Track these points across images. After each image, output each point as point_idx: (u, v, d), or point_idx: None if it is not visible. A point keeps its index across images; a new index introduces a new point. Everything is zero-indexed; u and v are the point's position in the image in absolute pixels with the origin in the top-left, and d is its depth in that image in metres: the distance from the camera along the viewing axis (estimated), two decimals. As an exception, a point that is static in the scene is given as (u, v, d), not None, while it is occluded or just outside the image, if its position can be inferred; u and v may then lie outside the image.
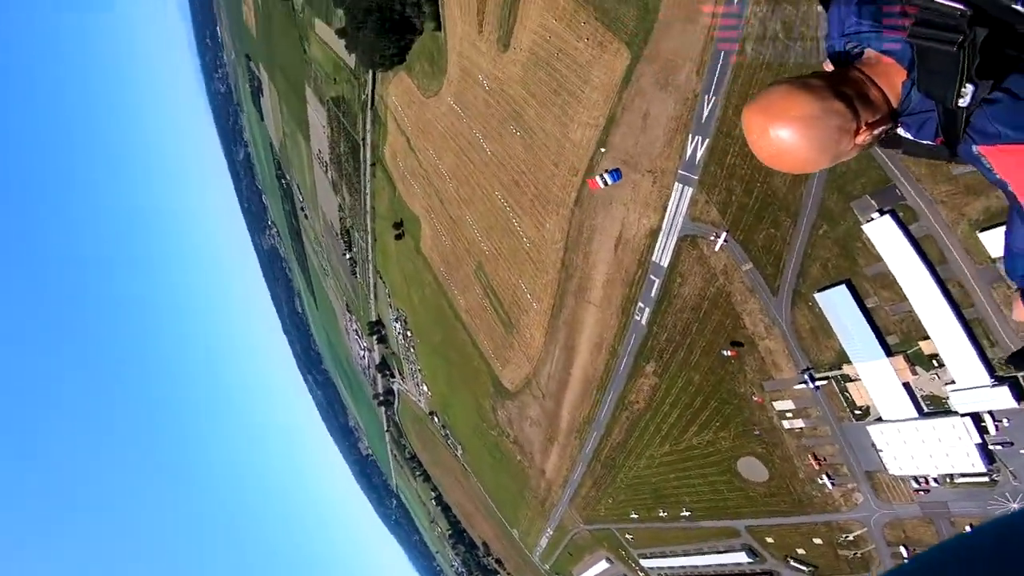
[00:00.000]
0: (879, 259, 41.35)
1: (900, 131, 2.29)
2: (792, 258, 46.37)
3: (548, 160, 64.74)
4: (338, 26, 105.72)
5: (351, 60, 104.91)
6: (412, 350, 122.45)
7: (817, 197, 43.30)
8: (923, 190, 38.33)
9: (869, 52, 2.25)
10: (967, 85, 1.81)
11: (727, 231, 48.88)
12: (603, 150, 57.72)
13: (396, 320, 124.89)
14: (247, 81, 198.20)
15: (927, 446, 43.73)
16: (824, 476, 51.44)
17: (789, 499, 55.50)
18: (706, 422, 58.32)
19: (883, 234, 40.21)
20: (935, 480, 45.30)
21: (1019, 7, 1.67)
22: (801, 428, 51.49)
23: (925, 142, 2.21)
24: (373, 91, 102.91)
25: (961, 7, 1.69)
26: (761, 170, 47.00)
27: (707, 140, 48.68)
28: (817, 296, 45.81)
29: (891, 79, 2.16)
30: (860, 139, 2.08)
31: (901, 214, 39.19)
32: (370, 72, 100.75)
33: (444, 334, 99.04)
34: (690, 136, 49.79)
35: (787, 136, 1.94)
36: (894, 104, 2.16)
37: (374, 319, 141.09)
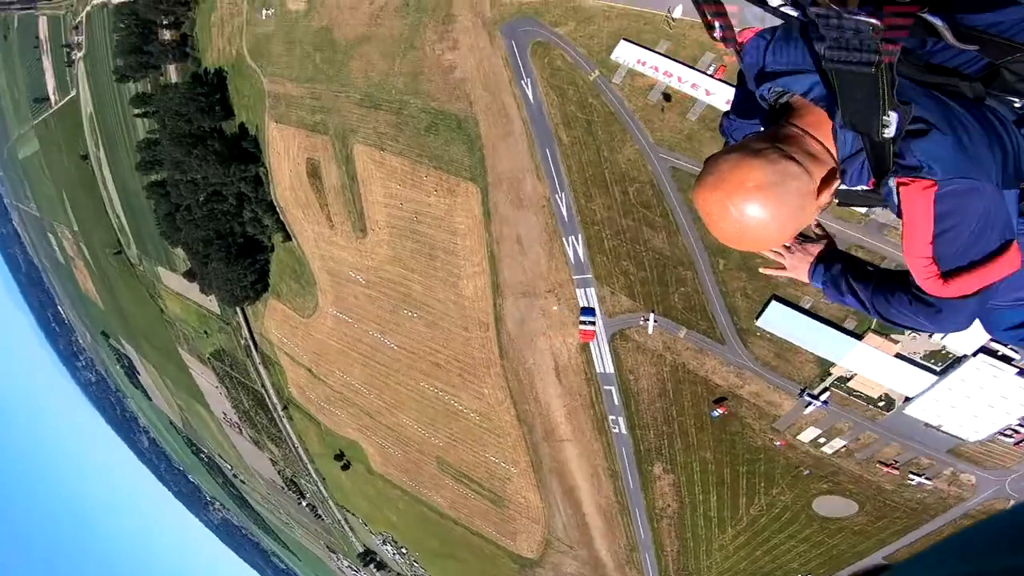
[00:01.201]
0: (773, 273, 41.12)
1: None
2: (715, 303, 46.26)
3: (455, 328, 62.35)
4: (183, 269, 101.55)
5: (213, 304, 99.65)
6: (416, 564, 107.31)
7: (697, 240, 44.51)
8: None
9: (796, 99, 2.13)
10: (890, 112, 1.69)
11: (652, 311, 47.31)
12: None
13: (384, 543, 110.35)
14: (115, 362, 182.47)
15: (976, 399, 40.91)
16: (912, 476, 46.72)
17: (901, 512, 49.80)
18: (750, 489, 53.08)
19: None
20: (1020, 423, 41.66)
21: (933, 20, 1.54)
22: (845, 446, 47.89)
23: (859, 188, 2.05)
24: (250, 331, 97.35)
25: (874, 21, 1.50)
26: (639, 240, 47.54)
27: (580, 236, 50.51)
28: (759, 324, 45.40)
29: (825, 127, 2.03)
30: (821, 200, 1.93)
31: None
32: (238, 310, 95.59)
33: (440, 537, 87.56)
34: (564, 240, 51.37)
35: (750, 211, 1.77)
36: (834, 154, 2.02)
37: (362, 550, 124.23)
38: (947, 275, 1.91)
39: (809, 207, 1.92)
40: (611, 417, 55.06)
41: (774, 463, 50.79)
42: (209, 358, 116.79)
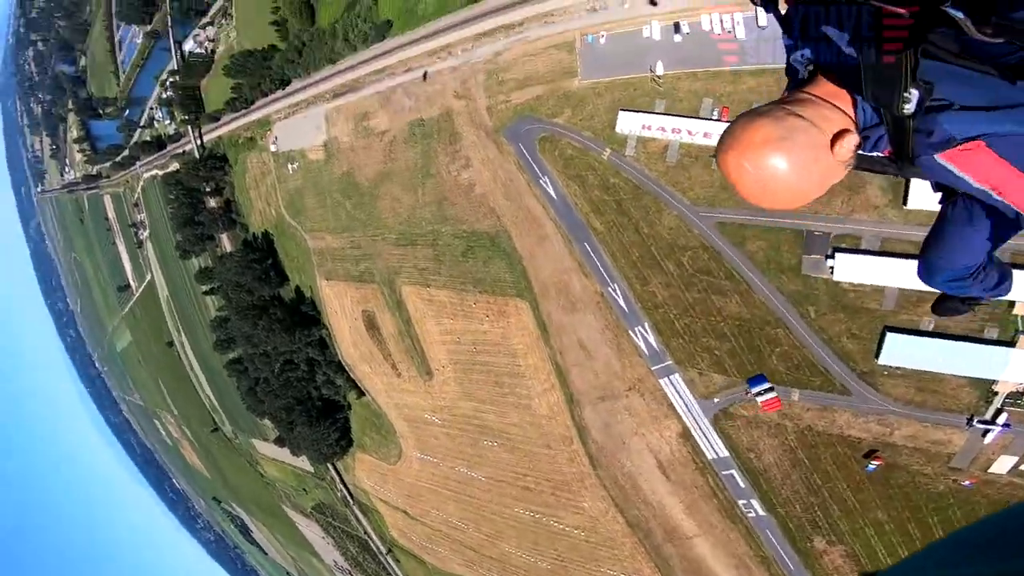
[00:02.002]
0: (879, 290, 38.52)
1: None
2: (821, 353, 41.16)
3: (537, 447, 59.50)
4: (273, 436, 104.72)
5: (305, 463, 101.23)
6: None
7: (774, 292, 41.45)
8: (831, 217, 38.48)
9: (821, 70, 2.20)
10: (911, 90, 1.80)
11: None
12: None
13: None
14: (229, 522, 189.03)
15: None
16: None
17: None
18: (944, 544, 44.04)
19: (854, 270, 38.78)
20: None
21: (954, 13, 1.64)
22: (1056, 463, 39.49)
23: (875, 154, 2.16)
24: (344, 483, 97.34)
25: (903, 11, 1.73)
26: (712, 311, 43.94)
27: (646, 323, 47.70)
28: (881, 361, 39.90)
29: (844, 97, 2.11)
30: (838, 152, 1.96)
31: (844, 244, 38.77)
32: (329, 467, 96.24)
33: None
34: (631, 332, 48.71)
35: (763, 164, 1.87)
36: (851, 115, 2.10)
37: None
38: None
39: (824, 158, 1.92)
40: (741, 502, 48.53)
41: (972, 504, 42.62)
42: (311, 511, 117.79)
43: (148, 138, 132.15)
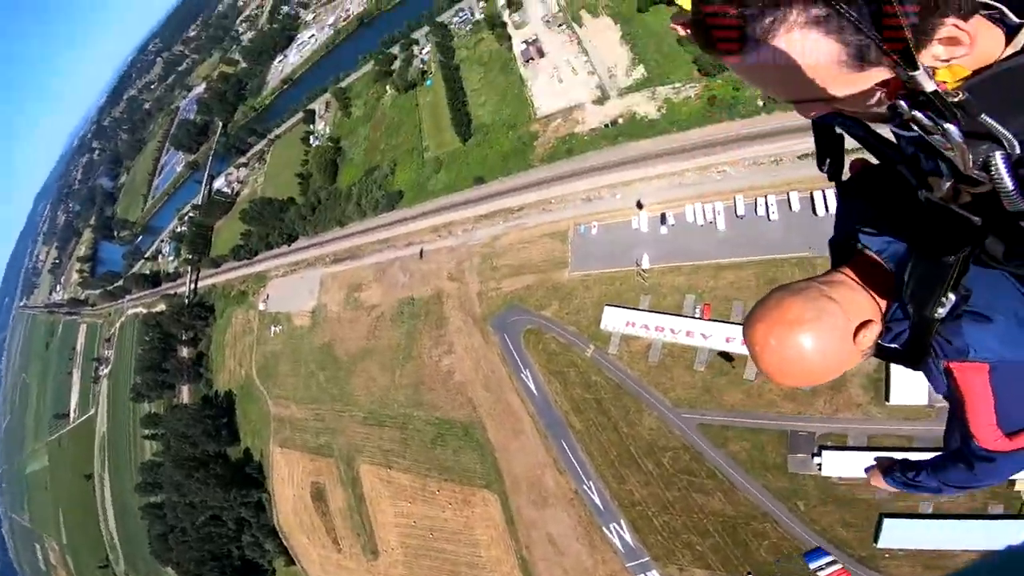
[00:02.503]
0: (872, 486, 33.97)
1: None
2: (814, 542, 38.95)
3: None
4: None
5: None
6: None
7: (760, 490, 40.25)
8: (815, 416, 39.10)
9: (863, 251, 2.20)
10: (949, 295, 1.72)
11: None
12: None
13: None
14: None
15: None
16: None
17: None
18: None
19: (843, 465, 37.82)
20: None
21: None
22: None
23: (892, 345, 2.13)
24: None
25: (974, 217, 1.52)
26: (693, 509, 41.97)
27: (622, 521, 44.48)
28: (880, 545, 37.53)
29: (878, 283, 2.11)
30: (860, 342, 1.96)
31: (830, 442, 38.86)
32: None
33: None
34: (605, 529, 45.29)
35: (789, 342, 1.88)
36: (881, 306, 2.11)
37: None
38: (1011, 434, 2.02)
39: (846, 346, 1.94)
40: None
41: None
42: None
43: (147, 271, 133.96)
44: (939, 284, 1.67)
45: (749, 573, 40.30)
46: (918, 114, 1.21)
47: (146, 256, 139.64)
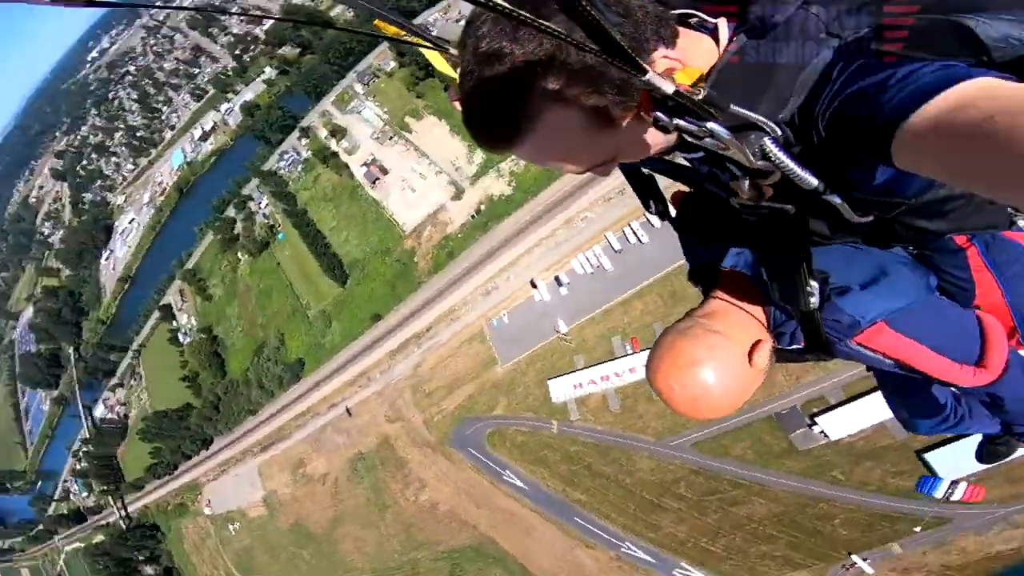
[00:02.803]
0: (880, 426, 36.67)
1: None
2: (881, 502, 37.84)
3: None
4: None
5: None
6: None
7: (789, 478, 40.36)
8: (784, 393, 39.64)
9: (723, 271, 2.20)
10: (811, 283, 1.72)
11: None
12: None
13: None
14: None
15: None
16: None
17: None
18: None
19: (843, 423, 38.08)
20: None
21: (831, 199, 1.51)
22: None
23: (793, 347, 2.15)
24: None
25: (786, 206, 1.49)
26: (739, 521, 41.49)
27: (683, 563, 43.37)
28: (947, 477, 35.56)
29: (753, 294, 2.09)
30: (756, 362, 1.98)
31: (815, 408, 39.24)
32: None
33: None
34: None
35: (689, 384, 1.91)
36: (762, 321, 2.10)
37: None
38: (978, 363, 2.02)
39: (743, 369, 1.97)
40: None
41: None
42: None
43: (65, 511, 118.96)
44: (795, 278, 1.74)
45: (850, 554, 38.62)
46: (680, 122, 1.24)
47: (56, 498, 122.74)
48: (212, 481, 77.22)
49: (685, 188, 2.27)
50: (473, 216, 56.81)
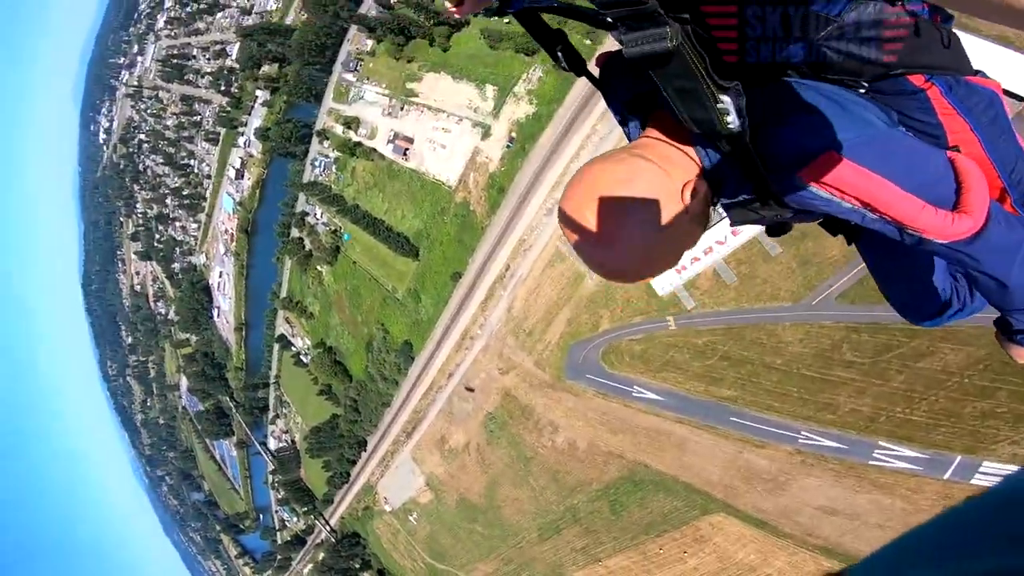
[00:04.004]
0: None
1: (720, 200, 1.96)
2: None
3: None
4: None
5: None
6: None
7: None
8: None
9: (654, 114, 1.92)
10: (721, 97, 1.44)
11: None
12: None
13: None
14: None
15: None
16: None
17: None
18: None
19: None
20: None
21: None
22: None
23: (741, 197, 1.79)
24: None
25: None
26: (934, 374, 34.24)
27: (881, 442, 36.86)
28: None
29: (683, 136, 1.78)
30: (688, 202, 1.70)
31: None
32: None
33: None
34: (873, 462, 38.02)
35: (605, 213, 1.61)
36: (696, 159, 1.80)
37: None
38: (955, 206, 1.58)
39: (673, 206, 1.67)
40: None
41: None
42: None
43: (289, 538, 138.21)
44: (699, 91, 1.39)
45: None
46: None
47: (277, 528, 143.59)
48: (381, 479, 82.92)
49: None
50: (508, 146, 54.28)
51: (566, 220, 1.67)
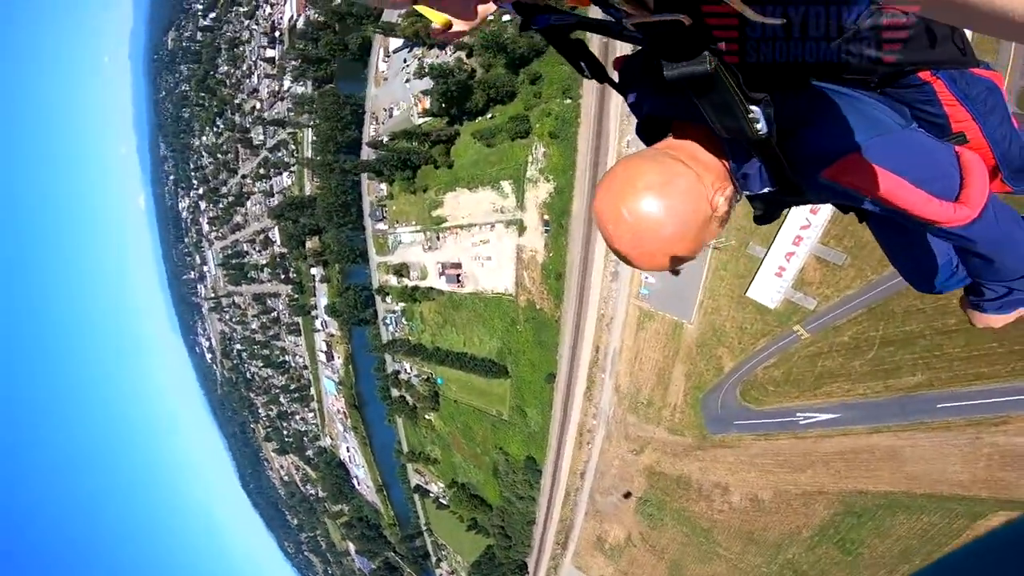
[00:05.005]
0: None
1: (745, 194, 1.82)
2: None
3: None
4: None
5: None
6: None
7: None
8: None
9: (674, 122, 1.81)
10: (752, 108, 1.38)
11: None
12: None
13: None
14: None
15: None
16: None
17: None
18: None
19: None
20: None
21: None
22: None
23: (765, 191, 1.70)
24: None
25: (677, 16, 1.24)
26: None
27: None
28: None
29: (711, 140, 1.66)
30: (716, 206, 1.58)
31: None
32: None
33: None
34: None
35: (642, 210, 1.49)
36: (723, 162, 1.69)
37: None
38: (958, 198, 1.54)
39: (703, 208, 1.54)
40: None
41: None
42: None
43: None
44: (730, 103, 1.31)
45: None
46: None
47: None
48: (553, 604, 66.53)
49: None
50: (546, 230, 46.50)
51: (603, 213, 1.50)
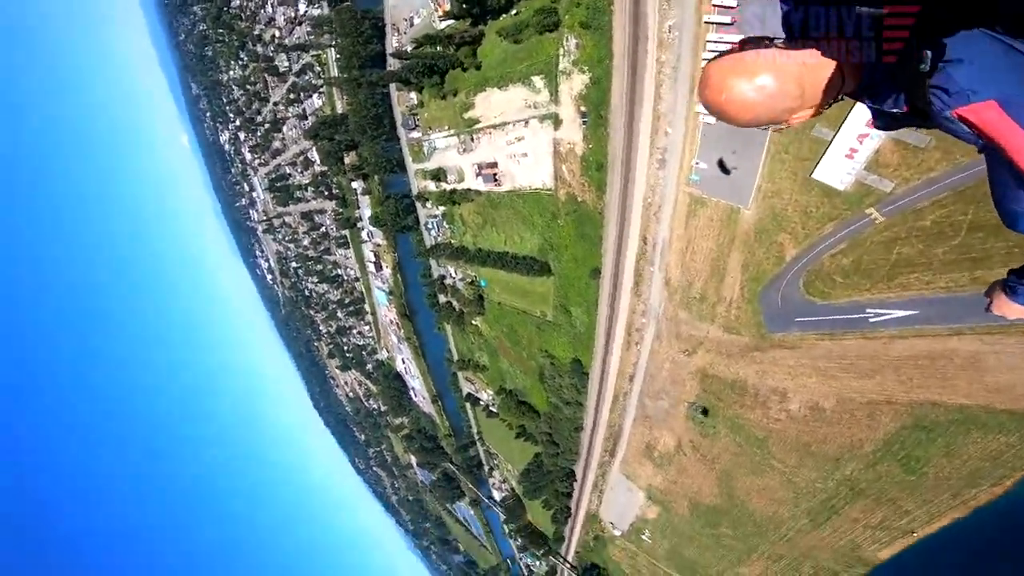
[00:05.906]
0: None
1: (866, 104, 2.48)
2: None
3: None
4: None
5: None
6: None
7: None
8: None
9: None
10: (926, 52, 1.85)
11: None
12: None
13: None
14: None
15: None
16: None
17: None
18: None
19: None
20: None
21: None
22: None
23: (895, 111, 2.27)
24: None
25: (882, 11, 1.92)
26: None
27: None
28: None
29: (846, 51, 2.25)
30: (791, 123, 2.32)
31: None
32: None
33: None
34: None
35: (760, 82, 2.13)
36: (849, 79, 2.31)
37: None
38: None
39: (782, 120, 2.26)
40: None
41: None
42: None
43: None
44: (911, 40, 1.83)
45: None
46: None
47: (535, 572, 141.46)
48: (599, 505, 75.82)
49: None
50: (584, 122, 47.95)
51: (721, 83, 2.15)
